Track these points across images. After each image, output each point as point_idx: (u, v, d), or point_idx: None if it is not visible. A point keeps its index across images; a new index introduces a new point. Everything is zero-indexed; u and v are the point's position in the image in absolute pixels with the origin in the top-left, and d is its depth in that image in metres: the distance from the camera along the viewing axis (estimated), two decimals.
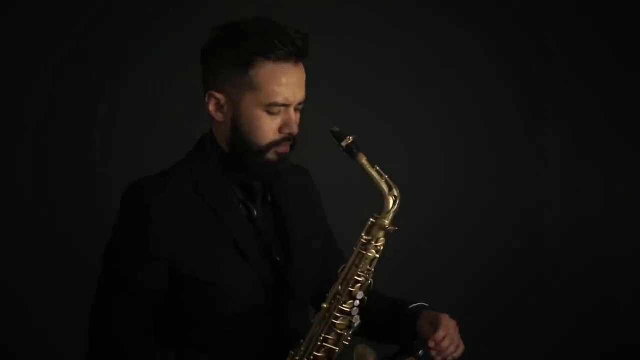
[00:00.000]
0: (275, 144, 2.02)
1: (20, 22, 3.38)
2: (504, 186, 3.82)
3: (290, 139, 2.03)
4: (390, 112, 3.72)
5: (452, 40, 3.76)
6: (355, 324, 2.04)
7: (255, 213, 2.08)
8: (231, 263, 2.02)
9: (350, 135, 2.01)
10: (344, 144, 2.01)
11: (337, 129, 2.03)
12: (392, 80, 3.71)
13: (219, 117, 2.05)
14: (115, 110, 3.48)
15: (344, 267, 2.04)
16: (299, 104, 2.04)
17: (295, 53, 2.00)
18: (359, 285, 2.02)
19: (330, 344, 2.04)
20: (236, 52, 1.99)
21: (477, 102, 3.80)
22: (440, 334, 2.01)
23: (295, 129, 2.03)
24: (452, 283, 3.78)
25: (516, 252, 3.83)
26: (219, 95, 2.03)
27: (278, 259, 2.09)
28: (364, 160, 2.00)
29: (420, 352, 2.04)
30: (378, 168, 2.02)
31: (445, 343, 2.02)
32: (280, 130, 2.02)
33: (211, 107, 2.05)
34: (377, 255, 2.03)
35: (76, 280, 3.32)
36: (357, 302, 2.02)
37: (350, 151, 2.01)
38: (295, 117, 2.04)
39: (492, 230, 3.80)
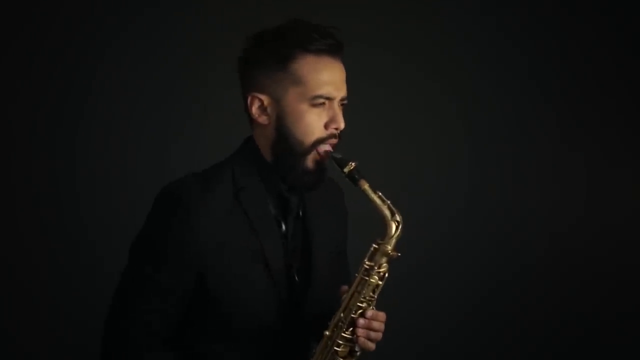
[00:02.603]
0: (321, 140, 2.00)
1: (27, 23, 3.38)
2: (502, 187, 3.82)
3: (336, 136, 2.01)
4: (386, 113, 3.72)
5: (447, 40, 3.76)
6: (358, 352, 2.03)
7: (284, 228, 2.07)
8: (257, 280, 2.01)
9: (352, 161, 2.00)
10: (346, 170, 2.00)
11: (339, 156, 2.02)
12: (387, 81, 3.71)
13: (262, 119, 2.02)
14: (126, 112, 3.47)
15: (347, 288, 2.02)
16: (342, 100, 2.03)
17: (334, 45, 2.00)
18: (361, 312, 2.00)
19: None
20: (276, 48, 1.98)
21: (473, 103, 3.79)
22: (380, 315, 2.01)
23: (341, 124, 2.01)
24: (449, 284, 3.78)
25: (515, 254, 3.83)
26: (261, 96, 2.01)
27: (297, 279, 2.07)
28: (366, 186, 1.99)
29: None
30: (380, 194, 2.00)
31: (375, 325, 2.00)
32: (326, 126, 2.01)
33: (254, 110, 2.03)
34: (380, 282, 2.01)
35: (78, 281, 3.36)
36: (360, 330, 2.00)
37: (352, 177, 2.00)
38: (340, 113, 2.03)
39: (489, 232, 3.80)
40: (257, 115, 2.03)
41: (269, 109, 2.01)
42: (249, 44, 2.03)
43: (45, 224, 3.42)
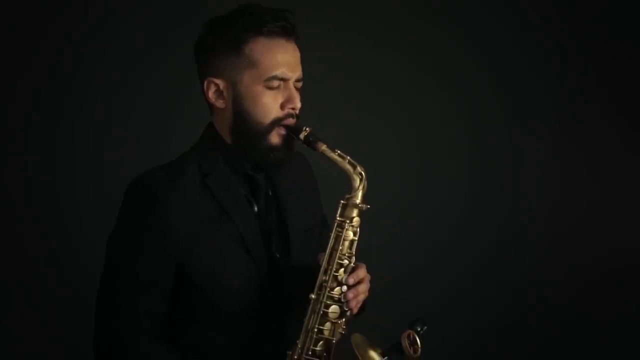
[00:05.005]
0: (279, 120, 2.03)
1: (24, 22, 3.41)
2: (502, 188, 3.83)
3: (293, 115, 2.04)
4: (387, 113, 3.73)
5: (448, 40, 3.79)
6: (348, 312, 2.01)
7: (256, 208, 2.08)
8: (238, 262, 2.02)
9: (306, 126, 2.03)
10: (301, 136, 2.03)
11: (292, 124, 2.04)
12: (387, 81, 3.73)
13: (220, 103, 2.05)
14: (102, 106, 3.48)
15: (324, 254, 2.02)
16: (297, 80, 2.06)
17: (287, 27, 2.04)
18: (343, 269, 2.01)
19: (326, 335, 2.01)
20: (229, 33, 2.02)
21: (474, 102, 3.81)
22: (361, 273, 2.00)
23: (297, 103, 2.04)
24: (449, 284, 3.76)
25: (515, 254, 3.82)
26: (217, 81, 2.04)
27: (278, 255, 2.08)
28: (324, 147, 2.02)
29: (418, 328, 2.03)
30: (339, 152, 2.03)
31: (361, 288, 2.00)
32: (282, 107, 2.03)
33: (211, 95, 2.05)
34: (355, 238, 2.03)
35: (76, 279, 3.30)
36: (345, 287, 2.00)
37: (309, 142, 2.03)
38: (295, 93, 2.05)
39: (489, 232, 3.80)
40: (214, 100, 2.06)
41: (225, 93, 2.04)
42: (203, 30, 2.07)
43: (45, 224, 3.42)
